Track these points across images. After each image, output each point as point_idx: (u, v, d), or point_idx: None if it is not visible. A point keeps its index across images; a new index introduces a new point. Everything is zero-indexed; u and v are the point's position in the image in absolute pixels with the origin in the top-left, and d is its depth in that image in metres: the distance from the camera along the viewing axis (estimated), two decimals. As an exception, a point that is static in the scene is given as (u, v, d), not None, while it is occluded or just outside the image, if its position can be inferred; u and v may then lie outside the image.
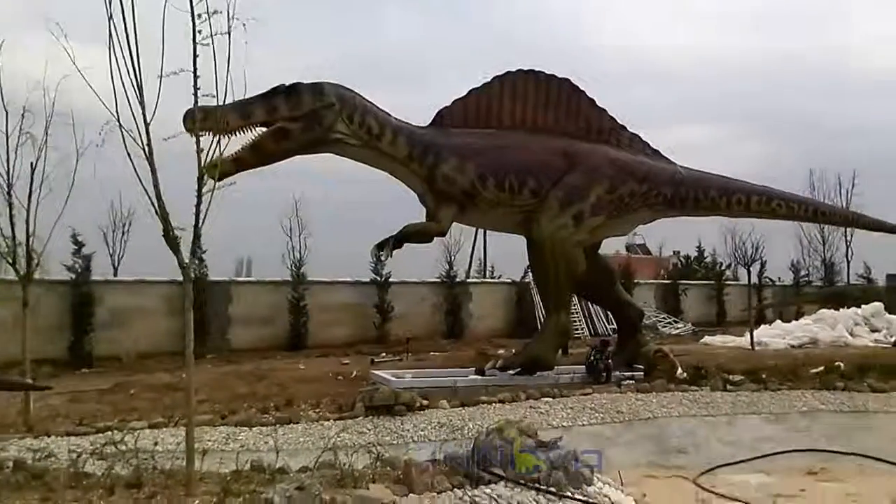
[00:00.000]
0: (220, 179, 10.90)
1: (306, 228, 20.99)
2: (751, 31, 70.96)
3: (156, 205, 5.31)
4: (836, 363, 12.86)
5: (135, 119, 5.15)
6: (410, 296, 21.40)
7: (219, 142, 5.53)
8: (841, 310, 20.24)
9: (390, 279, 20.67)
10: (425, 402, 9.76)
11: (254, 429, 8.78)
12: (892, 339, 17.80)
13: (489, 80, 12.74)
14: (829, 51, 66.56)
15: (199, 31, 5.36)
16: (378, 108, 12.01)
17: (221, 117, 10.51)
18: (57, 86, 8.11)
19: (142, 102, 5.22)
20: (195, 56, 5.30)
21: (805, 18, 70.66)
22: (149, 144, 5.27)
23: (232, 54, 5.42)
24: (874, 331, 19.34)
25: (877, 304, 20.45)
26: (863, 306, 20.43)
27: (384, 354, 16.68)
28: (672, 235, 42.52)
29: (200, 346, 17.32)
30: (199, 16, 5.35)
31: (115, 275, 21.71)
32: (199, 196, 5.32)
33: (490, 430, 6.15)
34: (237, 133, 10.87)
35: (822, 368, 12.55)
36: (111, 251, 24.73)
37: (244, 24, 5.27)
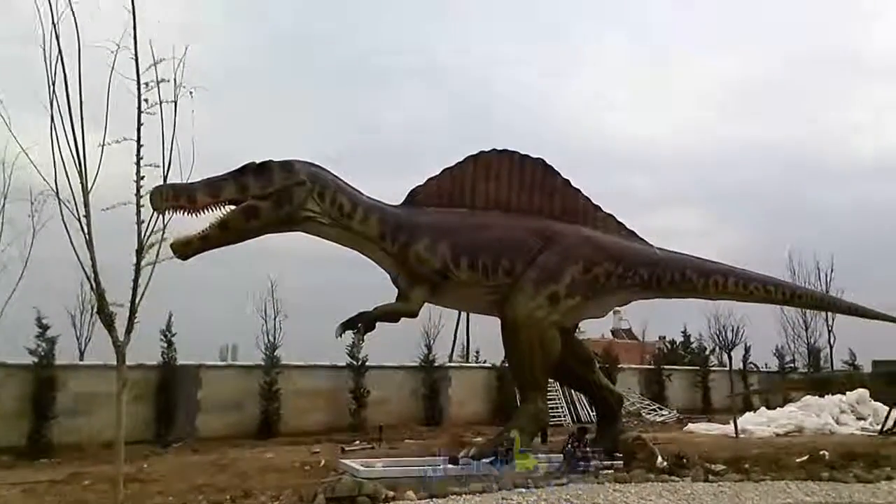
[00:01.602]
0: (187, 258, 10.78)
1: (282, 311, 20.58)
2: (730, 118, 72.99)
3: (91, 279, 5.03)
4: (822, 452, 12.42)
5: (71, 190, 4.91)
6: (388, 380, 20.90)
7: (161, 216, 5.20)
8: (826, 397, 19.91)
9: (367, 363, 20.18)
10: (391, 494, 9.21)
11: (204, 523, 8.20)
12: (878, 427, 17.39)
13: (463, 159, 12.76)
14: (810, 135, 68.38)
15: (146, 100, 5.20)
16: (350, 186, 11.92)
17: (190, 194, 10.56)
18: (14, 160, 7.93)
19: (80, 171, 5.00)
20: (139, 124, 5.12)
21: (781, 103, 72.79)
22: (86, 216, 5.02)
23: (181, 123, 5.24)
24: (860, 418, 18.97)
25: (861, 390, 20.14)
26: (847, 393, 20.13)
27: (357, 442, 16.08)
28: (658, 320, 42.21)
29: (166, 433, 16.73)
30: (147, 84, 5.22)
31: (82, 359, 21.10)
32: (138, 270, 5.06)
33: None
34: (205, 210, 10.74)
35: (806, 457, 12.10)
36: (78, 334, 24.19)
37: (191, 93, 5.12)
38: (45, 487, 10.98)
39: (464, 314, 29.06)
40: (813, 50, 73.94)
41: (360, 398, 19.66)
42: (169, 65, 5.32)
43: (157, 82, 5.22)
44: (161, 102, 5.23)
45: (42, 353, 15.79)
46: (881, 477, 11.00)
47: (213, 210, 10.78)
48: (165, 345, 17.58)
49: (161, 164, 5.31)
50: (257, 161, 11.08)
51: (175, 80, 5.16)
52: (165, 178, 5.19)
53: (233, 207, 10.90)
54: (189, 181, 10.36)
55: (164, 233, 5.18)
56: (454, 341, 31.67)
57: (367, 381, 20.04)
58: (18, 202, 8.14)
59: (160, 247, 5.18)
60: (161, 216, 10.01)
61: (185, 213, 10.58)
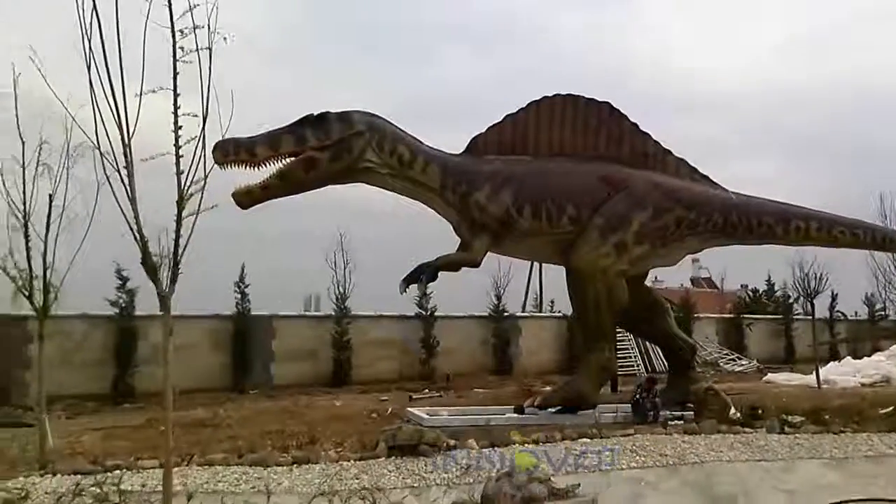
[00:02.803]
0: (247, 207, 10.91)
1: (351, 262, 20.75)
2: (810, 58, 68.88)
3: (134, 230, 5.03)
4: (909, 403, 11.76)
5: (110, 143, 4.89)
6: (457, 330, 20.92)
7: (203, 166, 5.13)
8: (918, 345, 18.87)
9: (436, 313, 20.23)
10: (452, 442, 9.20)
11: (268, 469, 8.36)
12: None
13: (525, 104, 12.35)
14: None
15: (181, 48, 5.10)
16: (410, 135, 11.76)
17: (250, 148, 10.64)
18: (74, 115, 8.06)
19: (119, 123, 4.96)
20: (175, 73, 5.03)
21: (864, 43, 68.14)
22: (126, 167, 4.99)
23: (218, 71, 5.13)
24: (955, 368, 17.87)
25: (958, 338, 18.97)
26: (942, 341, 19.00)
27: (426, 391, 16.19)
28: (739, 267, 40.76)
29: (243, 380, 17.27)
30: (182, 31, 5.11)
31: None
32: (179, 222, 5.01)
33: (500, 475, 5.63)
34: (266, 164, 10.82)
35: (891, 409, 11.47)
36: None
37: (225, 39, 4.99)
38: (125, 432, 11.48)
39: (536, 263, 28.75)
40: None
41: (430, 347, 19.76)
42: (208, 11, 5.15)
43: (194, 28, 5.07)
44: (198, 49, 5.06)
45: (122, 305, 16.42)
46: (974, 430, 10.33)
47: (274, 163, 10.89)
48: (239, 295, 18.02)
49: (199, 114, 5.09)
50: (315, 113, 11.02)
51: (209, 26, 5.01)
52: (203, 129, 5.08)
53: (292, 160, 10.95)
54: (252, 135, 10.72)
55: (205, 182, 5.09)
56: (527, 290, 31.50)
57: (437, 331, 20.10)
58: (81, 157, 8.24)
59: (202, 196, 5.09)
60: (222, 167, 10.33)
61: (247, 167, 10.71)
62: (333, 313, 19.48)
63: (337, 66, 67.11)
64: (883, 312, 30.22)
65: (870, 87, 62.52)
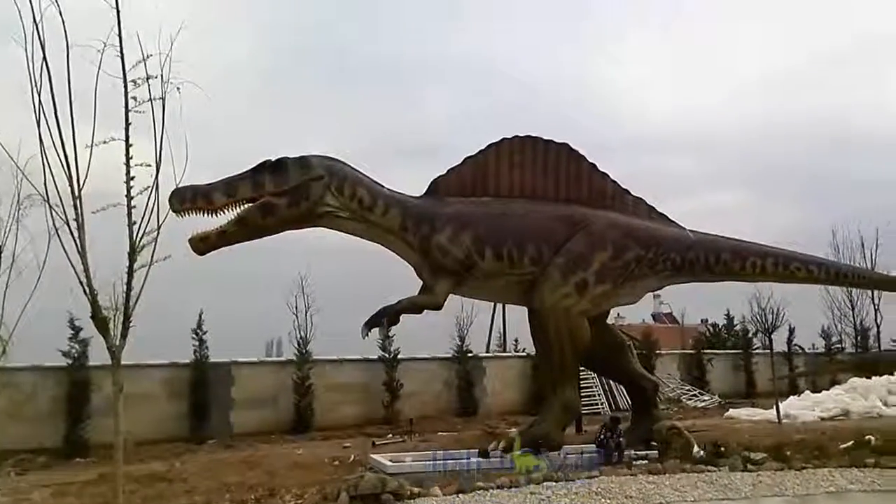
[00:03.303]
0: (203, 253, 10.78)
1: (313, 305, 20.52)
2: (772, 94, 71.29)
3: (84, 283, 4.89)
4: (867, 437, 11.89)
5: (58, 192, 4.78)
6: (421, 373, 20.72)
7: (157, 216, 5.04)
8: (873, 378, 19.17)
9: (399, 356, 20.05)
10: (416, 490, 9.03)
11: (226, 524, 8.11)
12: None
13: (485, 146, 12.47)
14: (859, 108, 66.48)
15: (134, 98, 5.04)
16: (370, 178, 11.78)
17: (207, 195, 10.55)
18: (25, 164, 7.89)
19: (69, 174, 4.86)
20: (127, 123, 4.96)
21: (824, 81, 70.81)
22: (76, 219, 4.88)
23: (189, 121, 5.07)
24: (911, 400, 18.19)
25: (911, 370, 19.33)
26: (896, 373, 19.35)
27: (389, 435, 15.95)
28: (699, 303, 41.35)
29: (201, 430, 16.81)
30: (135, 82, 5.05)
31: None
32: (131, 274, 4.90)
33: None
34: (223, 211, 10.75)
35: (851, 443, 11.60)
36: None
37: (178, 89, 4.95)
38: (76, 488, 11.05)
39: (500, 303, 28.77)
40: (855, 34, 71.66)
41: (394, 391, 19.52)
42: (163, 61, 5.11)
43: (147, 78, 5.02)
44: (152, 99, 5.02)
45: (75, 356, 15.95)
46: (932, 463, 10.47)
47: (231, 210, 10.82)
48: (197, 342, 17.64)
49: (153, 164, 5.01)
50: (273, 159, 11.00)
51: (162, 76, 4.97)
52: (156, 179, 4.99)
53: (250, 205, 10.88)
54: (208, 181, 10.64)
55: (158, 233, 4.98)
56: (490, 330, 31.41)
57: (400, 374, 19.89)
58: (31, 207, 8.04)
59: (155, 247, 4.98)
60: (179, 215, 10.20)
61: (204, 214, 10.64)
62: (295, 358, 19.17)
63: (315, 103, 67.43)
64: (840, 345, 30.81)
65: (842, 123, 64.72)
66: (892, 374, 19.48)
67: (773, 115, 68.29)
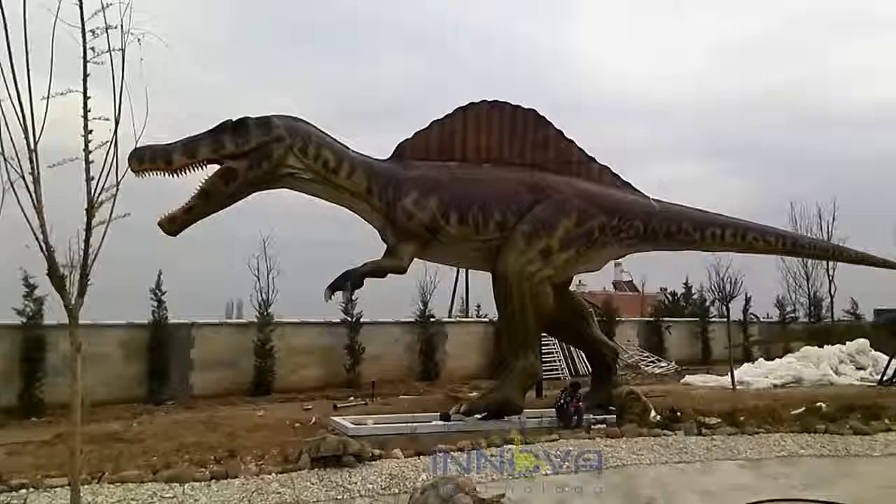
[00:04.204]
0: (175, 234, 10.70)
1: (275, 268, 20.27)
2: (733, 68, 71.84)
3: (40, 240, 4.73)
4: (818, 404, 12.29)
5: (14, 145, 4.60)
6: (383, 336, 20.72)
7: (112, 168, 4.88)
8: (826, 347, 19.75)
9: (362, 319, 20.02)
10: (377, 452, 9.07)
11: (185, 485, 8.05)
12: (878, 378, 17.26)
13: (452, 111, 12.36)
14: (808, 84, 67.46)
15: (93, 48, 4.84)
16: (335, 140, 11.61)
17: (166, 155, 10.32)
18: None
19: (24, 126, 4.67)
20: (85, 75, 4.77)
21: (782, 52, 71.58)
22: (32, 173, 4.70)
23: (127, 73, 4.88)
24: (859, 368, 18.83)
25: (861, 340, 19.96)
26: (847, 343, 19.95)
27: (351, 399, 15.97)
28: (660, 271, 42.14)
29: (159, 392, 16.64)
30: (93, 32, 4.85)
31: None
32: (89, 231, 4.75)
33: (425, 487, 5.55)
34: (183, 171, 10.55)
35: (803, 409, 11.97)
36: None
37: (139, 40, 4.76)
38: (32, 448, 10.88)
39: (462, 268, 28.84)
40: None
41: (356, 354, 19.52)
42: (123, 11, 4.91)
43: (106, 28, 4.83)
44: (111, 50, 4.82)
45: (30, 314, 15.60)
46: (879, 429, 10.88)
47: (191, 170, 10.62)
48: (156, 303, 17.38)
49: (112, 118, 4.84)
50: (234, 119, 10.78)
51: (122, 26, 4.78)
52: (115, 134, 4.83)
53: (211, 174, 10.72)
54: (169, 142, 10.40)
55: (117, 190, 4.84)
56: (453, 295, 31.50)
57: (363, 337, 19.88)
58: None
59: (114, 204, 4.84)
60: (137, 175, 9.98)
61: (163, 175, 10.42)
62: (256, 320, 19.02)
63: (273, 65, 66.13)
64: (793, 315, 31.59)
65: (799, 96, 65.60)
66: (843, 343, 20.10)
67: (731, 88, 69.03)
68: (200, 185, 10.67)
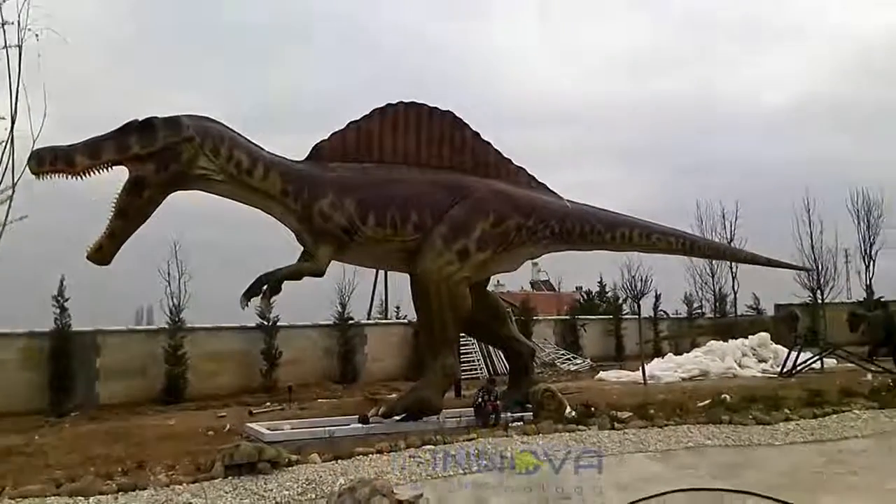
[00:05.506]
0: (107, 262, 10.33)
1: (186, 271, 19.70)
2: (645, 73, 74.20)
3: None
4: (723, 396, 12.81)
5: None
6: (301, 340, 20.45)
7: (13, 174, 4.62)
8: (730, 341, 20.64)
9: (279, 323, 19.67)
10: (294, 458, 8.91)
11: (91, 498, 7.71)
12: (778, 370, 18.15)
13: (369, 112, 12.30)
14: (716, 89, 70.36)
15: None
16: (249, 141, 11.36)
17: (68, 157, 9.87)
18: None
19: None
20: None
21: (681, 59, 74.40)
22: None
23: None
24: (761, 361, 19.75)
25: (763, 334, 20.97)
26: (750, 337, 20.90)
27: (268, 404, 15.68)
28: (575, 271, 43.14)
29: (63, 402, 15.91)
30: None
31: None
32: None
33: (342, 490, 5.50)
34: (87, 174, 10.11)
35: (708, 402, 12.46)
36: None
37: (37, 36, 4.53)
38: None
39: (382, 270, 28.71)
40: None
41: (272, 359, 19.17)
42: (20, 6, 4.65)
43: (2, 24, 4.57)
44: (7, 46, 4.57)
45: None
46: (779, 419, 11.40)
47: (96, 172, 10.18)
48: (58, 310, 16.59)
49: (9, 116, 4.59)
50: (140, 119, 10.40)
51: (20, 22, 4.54)
52: (11, 132, 4.59)
53: (119, 190, 10.35)
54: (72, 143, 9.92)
55: (13, 191, 4.59)
56: (372, 297, 31.39)
57: (280, 341, 19.54)
58: None
59: (10, 206, 4.59)
60: (38, 177, 9.52)
61: (66, 178, 9.96)
62: (167, 326, 18.41)
63: (181, 66, 64.17)
64: (700, 311, 32.88)
65: (705, 101, 68.23)
66: (746, 337, 21.05)
67: (639, 93, 71.35)
68: (113, 205, 10.28)
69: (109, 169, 10.24)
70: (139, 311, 32.32)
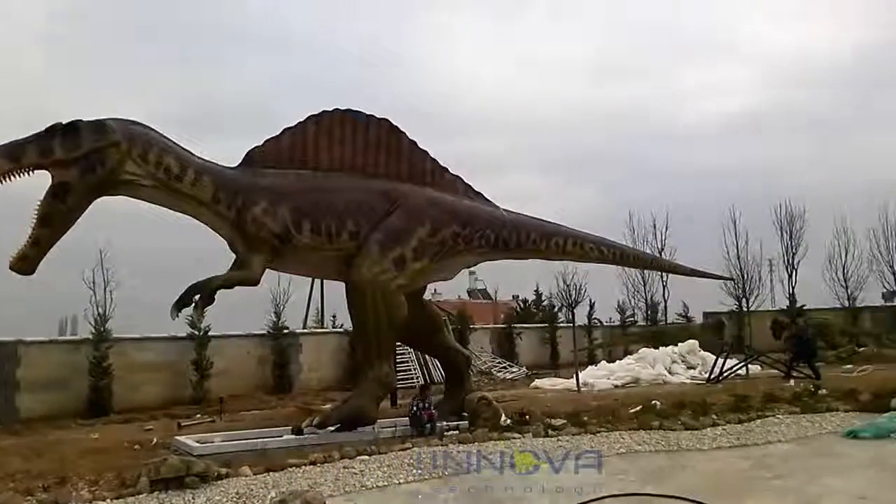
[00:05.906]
0: (32, 272, 9.90)
1: (113, 280, 19.00)
2: (589, 80, 75.69)
3: None
4: (654, 402, 13.09)
5: None
6: (233, 350, 20.00)
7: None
8: (660, 348, 21.11)
9: (210, 333, 19.18)
10: (224, 471, 8.70)
11: (7, 517, 7.36)
12: (706, 376, 18.63)
13: (304, 119, 12.16)
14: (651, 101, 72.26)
15: None
16: (179, 146, 11.09)
17: None
18: None
19: None
20: None
21: (626, 71, 76.27)
22: None
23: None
24: (690, 367, 20.25)
25: (692, 341, 21.50)
26: (679, 344, 21.42)
27: (198, 416, 15.26)
28: (512, 280, 43.54)
29: (-21, 416, 15.16)
30: None
31: None
32: None
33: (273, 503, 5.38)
34: (8, 178, 9.70)
35: (639, 408, 12.71)
36: None
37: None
38: None
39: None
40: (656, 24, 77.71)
41: (203, 369, 18.67)
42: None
43: None
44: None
45: None
46: (707, 424, 11.74)
47: (16, 177, 9.80)
48: (-25, 320, 15.86)
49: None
50: (64, 122, 10.03)
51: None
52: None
53: (42, 195, 9.95)
54: None
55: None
56: (308, 306, 30.94)
57: (211, 352, 19.06)
58: None
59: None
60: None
61: None
62: (91, 336, 17.73)
63: (119, 66, 62.29)
64: (633, 318, 33.58)
65: (643, 111, 69.82)
66: (676, 344, 21.57)
67: (574, 104, 72.75)
68: (36, 212, 9.89)
69: (31, 173, 9.87)
70: (63, 322, 31.09)
